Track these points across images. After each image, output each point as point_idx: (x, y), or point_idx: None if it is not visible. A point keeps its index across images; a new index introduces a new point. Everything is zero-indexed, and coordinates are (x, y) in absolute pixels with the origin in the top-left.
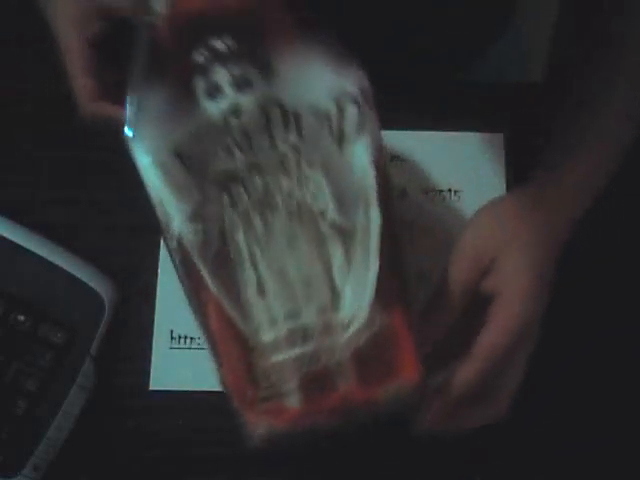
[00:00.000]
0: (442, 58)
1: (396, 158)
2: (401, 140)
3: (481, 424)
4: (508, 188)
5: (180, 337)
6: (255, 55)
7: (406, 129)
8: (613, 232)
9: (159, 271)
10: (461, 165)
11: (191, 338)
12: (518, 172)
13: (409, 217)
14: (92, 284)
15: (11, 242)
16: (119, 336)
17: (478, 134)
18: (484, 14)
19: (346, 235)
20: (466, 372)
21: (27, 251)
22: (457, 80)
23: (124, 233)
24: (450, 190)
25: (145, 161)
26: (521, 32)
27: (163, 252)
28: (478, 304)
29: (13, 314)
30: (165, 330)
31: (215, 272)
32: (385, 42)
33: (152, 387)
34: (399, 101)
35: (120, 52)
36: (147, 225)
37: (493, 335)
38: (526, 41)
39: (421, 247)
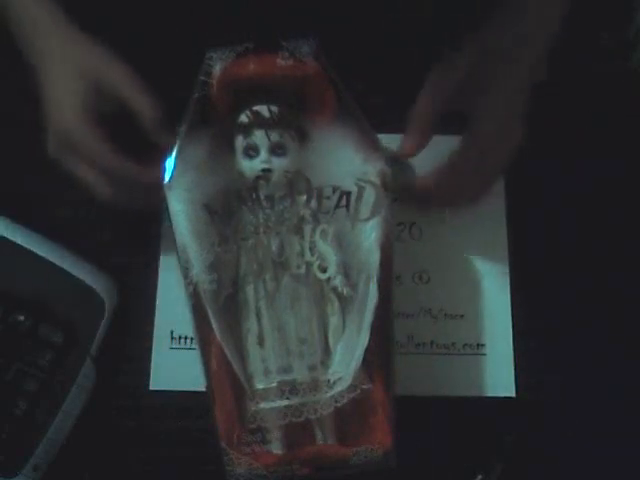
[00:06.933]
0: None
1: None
2: (389, 143)
3: (473, 199)
4: (507, 189)
5: (180, 337)
6: (295, 125)
7: (394, 132)
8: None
9: (159, 271)
10: None
11: (191, 338)
12: (518, 172)
13: (408, 218)
14: (92, 284)
15: (11, 242)
16: (119, 336)
17: None
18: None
19: (345, 302)
20: (456, 155)
21: (27, 251)
22: None
23: (124, 233)
24: None
25: (177, 208)
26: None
27: (163, 252)
28: None
29: (13, 314)
30: (165, 330)
31: (221, 318)
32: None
33: (152, 387)
34: (399, 105)
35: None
36: (147, 225)
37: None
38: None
39: (421, 248)
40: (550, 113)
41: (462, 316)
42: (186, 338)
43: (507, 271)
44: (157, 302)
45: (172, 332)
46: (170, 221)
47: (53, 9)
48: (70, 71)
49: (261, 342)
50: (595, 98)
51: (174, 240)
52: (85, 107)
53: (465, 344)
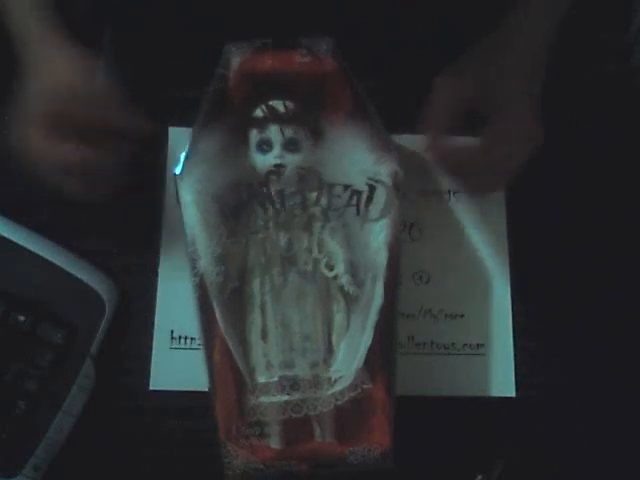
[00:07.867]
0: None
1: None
2: (401, 143)
3: (484, 190)
4: (507, 189)
5: (180, 337)
6: (309, 122)
7: (406, 133)
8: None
9: (159, 271)
10: None
11: (191, 338)
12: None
13: (409, 218)
14: (92, 284)
15: (11, 242)
16: (119, 336)
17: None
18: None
19: (351, 301)
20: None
21: (27, 251)
22: None
23: (124, 233)
24: (449, 191)
25: (187, 198)
26: None
27: (163, 252)
28: None
29: (13, 314)
30: (165, 330)
31: (226, 310)
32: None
33: (152, 387)
34: (399, 105)
35: None
36: (147, 225)
37: (496, 128)
38: None
39: (421, 248)
40: (550, 113)
41: (462, 316)
42: (186, 338)
43: (507, 271)
44: (157, 302)
45: (172, 332)
46: (181, 214)
47: (50, 19)
48: (47, 89)
49: (264, 336)
50: (595, 98)
51: (183, 231)
52: (50, 130)
53: (465, 344)
